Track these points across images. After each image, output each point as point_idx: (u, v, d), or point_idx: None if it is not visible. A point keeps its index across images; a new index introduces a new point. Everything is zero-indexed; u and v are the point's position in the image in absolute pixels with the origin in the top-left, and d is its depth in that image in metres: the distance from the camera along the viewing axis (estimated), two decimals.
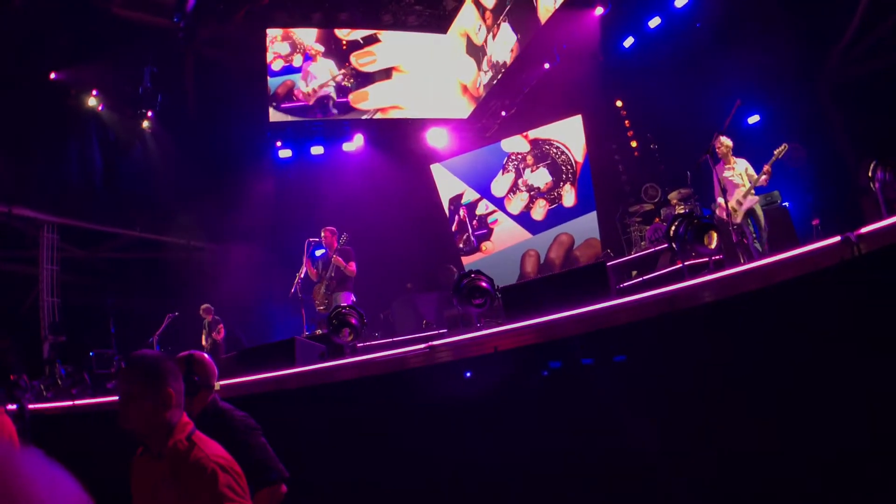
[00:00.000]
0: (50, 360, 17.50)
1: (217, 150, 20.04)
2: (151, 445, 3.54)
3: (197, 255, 21.85)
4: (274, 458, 5.01)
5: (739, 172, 11.91)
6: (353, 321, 10.08)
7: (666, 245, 14.04)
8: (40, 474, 1.23)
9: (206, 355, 5.41)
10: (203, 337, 16.90)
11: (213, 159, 19.98)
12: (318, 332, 13.71)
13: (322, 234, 13.39)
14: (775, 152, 11.49)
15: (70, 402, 11.94)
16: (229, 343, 17.04)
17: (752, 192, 11.79)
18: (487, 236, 21.73)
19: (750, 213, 11.76)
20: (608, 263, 9.99)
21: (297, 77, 20.64)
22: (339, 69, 20.94)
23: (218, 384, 5.28)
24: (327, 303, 13.08)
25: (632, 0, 17.50)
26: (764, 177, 11.61)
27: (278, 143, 21.13)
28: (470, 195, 22.21)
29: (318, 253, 13.84)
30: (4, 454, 1.21)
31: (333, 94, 20.76)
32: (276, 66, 20.44)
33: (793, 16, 14.36)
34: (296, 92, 20.53)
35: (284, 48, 20.53)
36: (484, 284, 9.38)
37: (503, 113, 21.42)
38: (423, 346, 7.65)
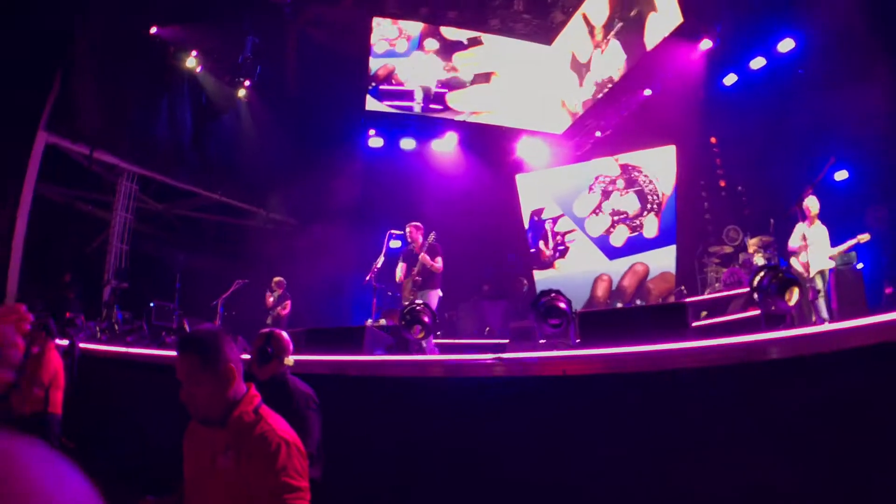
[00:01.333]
0: (109, 304, 17.81)
1: (310, 129, 20.14)
2: (215, 419, 3.47)
3: (276, 228, 21.90)
4: (314, 435, 5.58)
5: (819, 237, 11.94)
6: (426, 319, 9.96)
7: (740, 290, 14.09)
8: (46, 468, 1.15)
9: (284, 333, 6.06)
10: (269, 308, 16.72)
11: (304, 137, 20.11)
12: (382, 321, 14.16)
13: (407, 230, 13.23)
14: (858, 237, 11.71)
15: (123, 349, 12.22)
16: (292, 320, 16.67)
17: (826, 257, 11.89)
18: (563, 254, 21.41)
19: (820, 273, 11.83)
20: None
21: (398, 61, 20.73)
22: (443, 66, 20.96)
23: (291, 359, 5.96)
24: (412, 299, 12.56)
25: (738, 38, 17.17)
26: (837, 253, 11.93)
27: (371, 132, 21.16)
28: (551, 210, 21.94)
29: (394, 245, 13.81)
30: (7, 448, 1.14)
31: (432, 89, 20.79)
32: (380, 48, 20.63)
33: (890, 79, 13.75)
34: (396, 75, 20.64)
35: (392, 31, 20.68)
36: (563, 305, 9.04)
37: (598, 133, 21.18)
38: (490, 356, 7.46)
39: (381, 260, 13.20)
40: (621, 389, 6.48)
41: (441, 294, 12.95)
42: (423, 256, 12.79)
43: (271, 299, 16.50)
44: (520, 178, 22.47)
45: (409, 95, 20.62)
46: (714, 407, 5.90)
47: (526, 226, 22.25)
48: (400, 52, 20.74)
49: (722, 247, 17.74)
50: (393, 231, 13.61)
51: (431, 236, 12.86)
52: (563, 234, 21.56)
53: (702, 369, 6.12)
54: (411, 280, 12.86)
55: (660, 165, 20.46)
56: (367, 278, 13.29)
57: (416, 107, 20.72)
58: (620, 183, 20.96)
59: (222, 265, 18.41)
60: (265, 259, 18.88)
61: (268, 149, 20.11)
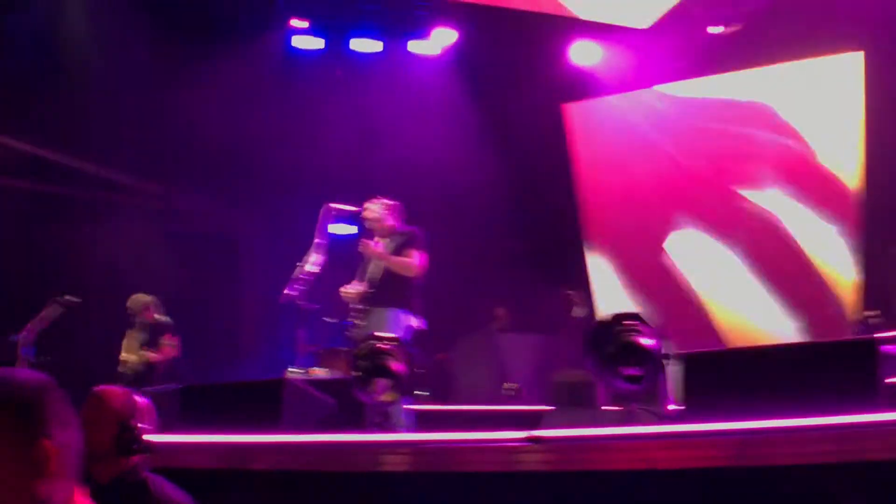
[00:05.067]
0: None
1: (177, 20, 14.26)
2: None
3: (118, 199, 15.79)
4: None
5: None
6: (396, 367, 6.82)
7: None
8: None
9: (142, 399, 4.23)
10: (125, 349, 12.35)
11: (174, 31, 13.99)
12: (317, 371, 11.05)
13: (368, 208, 9.60)
14: None
15: None
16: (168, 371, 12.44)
17: None
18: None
19: None
20: (878, 337, 6.69)
21: None
22: None
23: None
24: (363, 326, 9.45)
25: None
26: None
27: (297, 22, 14.70)
28: None
29: (338, 230, 10.79)
30: None
31: None
32: None
33: None
34: None
35: None
36: (648, 342, 6.14)
37: (719, 28, 15.14)
38: (517, 435, 5.39)
39: (313, 259, 9.86)
40: (762, 496, 4.75)
41: (415, 321, 9.21)
42: (376, 249, 9.32)
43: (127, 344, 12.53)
44: (571, 112, 16.10)
45: None
46: None
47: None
48: None
49: None
50: (334, 206, 9.93)
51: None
52: None
53: None
54: (359, 292, 9.39)
55: (834, 89, 14.35)
56: (287, 292, 9.93)
57: None
58: None
59: (27, 267, 13.40)
60: (103, 258, 13.56)
61: (98, 51, 14.00)
